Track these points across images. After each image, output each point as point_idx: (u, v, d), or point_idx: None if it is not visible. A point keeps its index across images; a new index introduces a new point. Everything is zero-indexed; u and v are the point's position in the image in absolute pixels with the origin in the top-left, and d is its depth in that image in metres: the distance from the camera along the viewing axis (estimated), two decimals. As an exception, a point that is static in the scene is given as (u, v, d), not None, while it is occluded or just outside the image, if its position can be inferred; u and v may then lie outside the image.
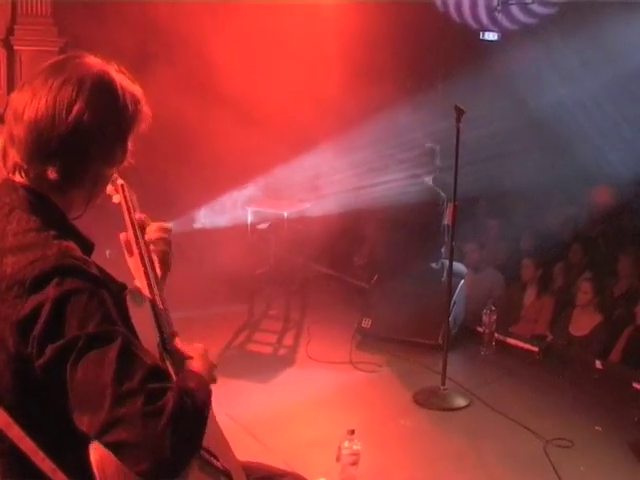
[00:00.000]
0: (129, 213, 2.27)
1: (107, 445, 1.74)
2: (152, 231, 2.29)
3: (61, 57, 2.01)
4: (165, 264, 2.29)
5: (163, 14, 8.25)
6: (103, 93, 1.93)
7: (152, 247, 2.26)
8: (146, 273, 2.18)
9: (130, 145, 2.05)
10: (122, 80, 2.01)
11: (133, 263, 2.24)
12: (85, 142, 1.90)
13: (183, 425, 1.74)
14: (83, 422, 1.74)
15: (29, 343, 1.77)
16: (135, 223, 2.26)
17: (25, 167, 1.92)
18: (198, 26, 8.43)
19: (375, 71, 9.71)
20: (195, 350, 2.13)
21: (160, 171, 8.05)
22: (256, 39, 8.83)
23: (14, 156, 1.92)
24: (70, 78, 1.90)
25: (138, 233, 2.24)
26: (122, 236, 2.26)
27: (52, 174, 1.90)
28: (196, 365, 2.05)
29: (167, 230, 2.32)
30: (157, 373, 1.80)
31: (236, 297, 7.68)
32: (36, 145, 1.88)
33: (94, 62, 1.99)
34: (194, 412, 1.80)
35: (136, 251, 2.21)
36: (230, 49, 8.44)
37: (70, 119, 1.87)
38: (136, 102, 2.02)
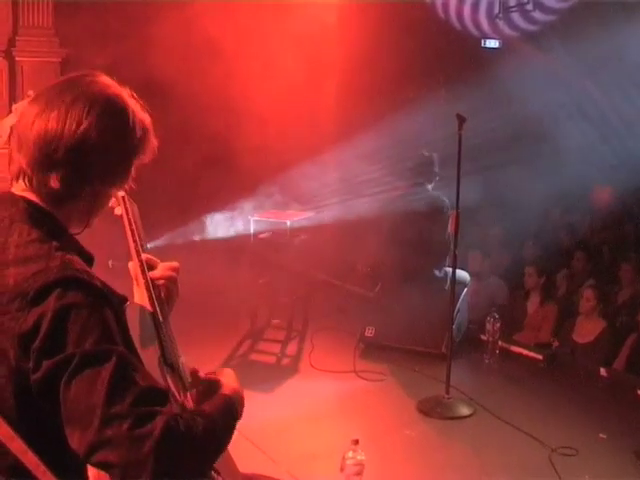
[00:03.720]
0: (132, 234, 2.26)
1: (94, 465, 1.75)
2: (160, 269, 2.30)
3: (76, 73, 2.03)
4: (169, 302, 2.29)
5: (163, 20, 8.27)
6: (114, 114, 1.96)
7: (159, 283, 2.26)
8: (151, 300, 2.17)
9: (133, 171, 2.07)
10: (134, 106, 2.03)
11: (138, 294, 2.22)
12: (90, 158, 1.91)
13: (170, 451, 1.72)
14: (73, 440, 1.74)
15: (30, 357, 1.76)
16: (138, 243, 2.25)
17: (29, 173, 1.93)
18: (199, 31, 8.45)
19: (376, 80, 9.73)
20: (225, 373, 2.18)
21: (163, 182, 8.05)
22: (256, 41, 8.84)
23: (20, 162, 1.95)
24: (83, 95, 1.93)
25: (144, 267, 2.23)
26: (131, 265, 2.25)
27: (55, 183, 1.91)
28: (227, 386, 2.10)
29: (175, 269, 2.33)
30: (150, 395, 1.77)
31: (239, 306, 7.66)
32: (43, 153, 1.90)
33: (109, 83, 2.02)
34: (187, 438, 1.76)
35: (142, 284, 2.20)
36: (232, 53, 8.46)
37: (78, 133, 1.89)
38: (145, 130, 2.04)
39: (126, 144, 1.99)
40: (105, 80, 2.02)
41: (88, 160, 1.91)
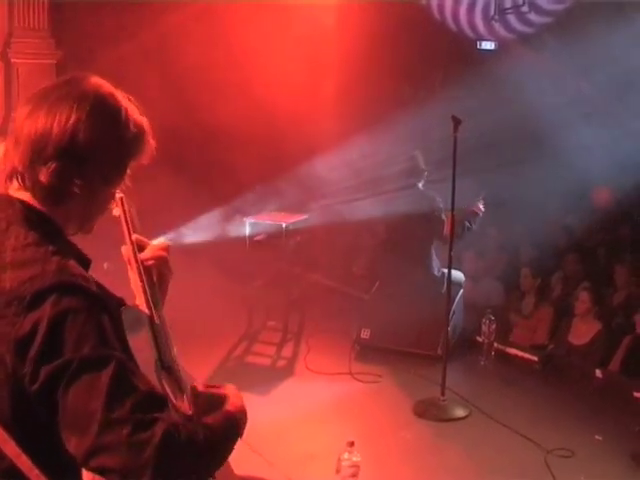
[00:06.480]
0: (128, 227, 2.24)
1: (92, 470, 1.74)
2: (150, 250, 2.25)
3: (69, 75, 2.02)
4: (162, 283, 2.25)
5: (158, 23, 8.26)
6: (104, 111, 1.94)
7: (149, 263, 2.21)
8: (144, 289, 2.14)
9: (129, 170, 2.04)
10: (128, 105, 2.00)
11: (133, 278, 2.19)
12: (80, 154, 1.90)
13: (171, 459, 1.71)
14: (71, 445, 1.73)
15: (26, 363, 1.75)
16: (135, 245, 2.21)
17: (21, 170, 1.93)
18: (196, 33, 8.44)
19: (374, 81, 9.73)
20: (230, 389, 2.13)
21: (159, 183, 8.04)
22: (255, 42, 8.84)
23: (13, 160, 1.94)
24: (72, 92, 1.92)
25: (136, 250, 2.20)
26: (124, 249, 2.21)
27: (44, 177, 1.90)
28: (233, 403, 2.05)
29: (165, 248, 2.28)
30: (149, 401, 1.76)
31: (235, 309, 7.66)
32: (34, 150, 1.89)
33: (101, 83, 2.00)
34: (187, 447, 1.76)
35: (135, 267, 2.17)
36: (232, 55, 8.46)
37: (67, 128, 1.88)
38: (140, 130, 2.01)
39: (118, 141, 1.97)
40: (97, 80, 2.00)
41: (78, 157, 1.90)
